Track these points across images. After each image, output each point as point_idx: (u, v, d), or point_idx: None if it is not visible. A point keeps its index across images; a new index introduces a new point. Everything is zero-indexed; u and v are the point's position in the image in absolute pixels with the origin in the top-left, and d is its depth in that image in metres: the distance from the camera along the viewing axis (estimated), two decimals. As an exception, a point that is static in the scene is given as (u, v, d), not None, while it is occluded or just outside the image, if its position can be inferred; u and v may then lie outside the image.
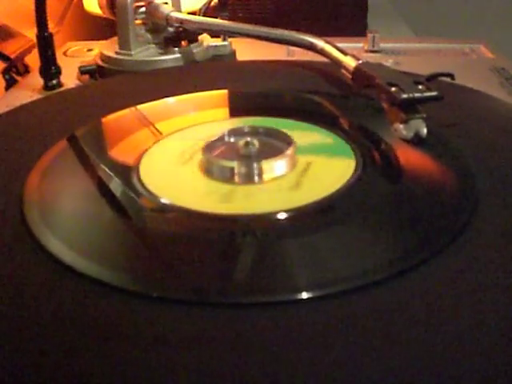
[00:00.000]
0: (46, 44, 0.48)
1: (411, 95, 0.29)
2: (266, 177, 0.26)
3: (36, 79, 0.50)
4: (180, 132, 0.31)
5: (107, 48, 0.50)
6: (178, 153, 0.29)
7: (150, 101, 0.35)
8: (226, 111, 0.36)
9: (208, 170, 0.27)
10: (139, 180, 0.26)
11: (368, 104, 0.33)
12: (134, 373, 0.17)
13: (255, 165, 0.26)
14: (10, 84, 0.52)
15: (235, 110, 0.36)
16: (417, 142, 0.28)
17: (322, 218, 0.24)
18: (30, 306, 0.19)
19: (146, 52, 0.49)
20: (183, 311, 0.19)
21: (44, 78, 0.49)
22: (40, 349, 0.17)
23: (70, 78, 0.50)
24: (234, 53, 0.52)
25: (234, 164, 0.26)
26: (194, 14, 0.51)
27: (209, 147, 0.28)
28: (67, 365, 0.17)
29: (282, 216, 0.23)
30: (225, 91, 0.38)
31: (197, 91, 0.37)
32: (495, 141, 0.30)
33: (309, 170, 0.27)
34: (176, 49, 0.49)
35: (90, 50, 0.59)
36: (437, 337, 0.18)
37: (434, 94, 0.29)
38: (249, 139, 0.27)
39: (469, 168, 0.26)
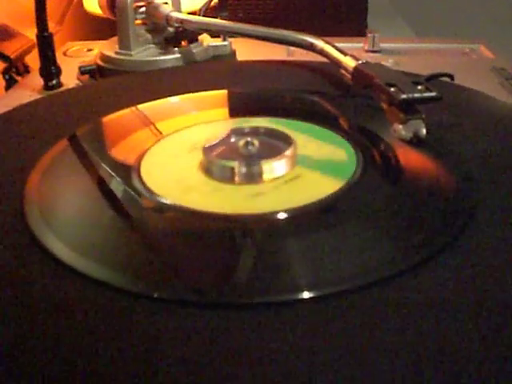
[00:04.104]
0: (46, 44, 0.48)
1: (410, 96, 0.29)
2: (266, 177, 0.26)
3: (36, 79, 0.50)
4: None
5: (107, 48, 0.50)
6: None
7: (150, 101, 0.35)
8: (225, 111, 0.36)
9: (208, 170, 0.27)
10: (139, 180, 0.26)
11: (368, 104, 0.33)
12: (134, 373, 0.17)
13: (255, 165, 0.26)
14: (10, 84, 0.53)
15: (235, 110, 0.36)
16: (416, 142, 0.29)
17: (321, 218, 0.24)
18: (30, 306, 0.19)
19: (145, 52, 0.49)
20: (183, 311, 0.19)
21: (44, 78, 0.49)
22: (39, 348, 0.18)
23: (70, 78, 0.50)
24: (234, 53, 0.52)
25: (234, 164, 0.26)
26: (194, 13, 0.51)
27: (209, 147, 0.28)
28: (67, 364, 0.17)
29: (282, 216, 0.23)
30: (225, 91, 0.38)
31: (197, 91, 0.37)
32: (495, 141, 0.30)
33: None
34: (176, 49, 0.49)
35: (89, 50, 0.59)
36: (436, 337, 0.18)
37: (433, 94, 0.29)
38: (249, 139, 0.27)
39: (468, 168, 0.26)
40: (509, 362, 0.17)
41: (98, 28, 0.62)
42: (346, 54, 0.37)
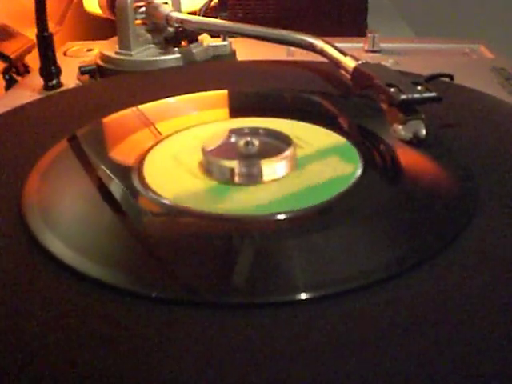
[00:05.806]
0: (46, 44, 0.48)
1: (410, 96, 0.29)
2: (265, 177, 0.26)
3: (36, 79, 0.50)
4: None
5: (107, 48, 0.50)
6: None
7: (150, 101, 0.35)
8: (225, 111, 0.36)
9: (208, 171, 0.27)
10: (139, 180, 0.26)
11: (368, 104, 0.33)
12: (134, 373, 0.17)
13: (255, 165, 0.26)
14: (10, 84, 0.53)
15: (235, 110, 0.36)
16: (416, 142, 0.29)
17: (321, 219, 0.24)
18: (30, 306, 0.19)
19: (145, 52, 0.49)
20: (182, 311, 0.19)
21: (44, 78, 0.49)
22: (39, 349, 0.18)
23: (70, 78, 0.50)
24: (234, 53, 0.52)
25: (234, 164, 0.26)
26: (194, 14, 0.51)
27: (209, 147, 0.28)
28: (66, 365, 0.17)
29: (281, 217, 0.23)
30: (225, 91, 0.38)
31: (197, 91, 0.37)
32: (495, 141, 0.30)
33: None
34: (176, 49, 0.49)
35: (89, 50, 0.59)
36: (435, 337, 0.18)
37: (432, 94, 0.29)
38: (249, 139, 0.27)
39: (468, 169, 0.26)
40: (508, 360, 0.17)
41: (98, 28, 0.62)
42: (346, 54, 0.37)
